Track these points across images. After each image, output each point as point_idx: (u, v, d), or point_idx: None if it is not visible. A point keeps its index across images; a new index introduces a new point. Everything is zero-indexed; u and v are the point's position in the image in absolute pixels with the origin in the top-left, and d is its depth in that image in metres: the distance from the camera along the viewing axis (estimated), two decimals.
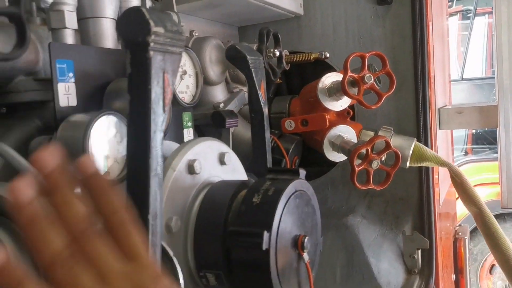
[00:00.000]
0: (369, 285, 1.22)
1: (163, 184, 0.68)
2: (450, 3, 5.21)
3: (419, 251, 1.28)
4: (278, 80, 1.29)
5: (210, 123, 1.14)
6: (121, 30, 0.52)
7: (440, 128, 1.46)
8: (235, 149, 1.19)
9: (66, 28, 0.75)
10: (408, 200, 1.33)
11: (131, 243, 0.41)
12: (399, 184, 1.33)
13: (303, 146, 1.37)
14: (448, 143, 1.73)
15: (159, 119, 0.52)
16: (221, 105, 1.19)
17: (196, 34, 1.22)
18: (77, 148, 0.65)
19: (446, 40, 1.81)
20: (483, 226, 1.10)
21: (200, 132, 1.24)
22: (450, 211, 1.73)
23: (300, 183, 0.74)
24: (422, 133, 1.29)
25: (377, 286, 1.21)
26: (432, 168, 1.31)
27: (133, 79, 0.51)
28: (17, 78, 0.80)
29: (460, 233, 1.76)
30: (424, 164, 1.20)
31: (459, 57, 4.72)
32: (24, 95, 0.81)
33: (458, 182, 1.15)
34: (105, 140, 0.68)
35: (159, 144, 0.52)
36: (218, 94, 1.22)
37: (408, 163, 1.18)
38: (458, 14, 4.77)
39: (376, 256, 1.26)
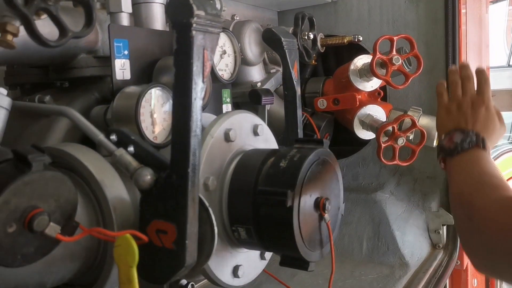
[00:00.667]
0: (394, 256, 1.29)
1: (202, 148, 0.79)
2: None
3: (444, 227, 1.34)
4: (313, 61, 1.37)
5: (248, 101, 1.23)
6: (169, 13, 0.62)
7: None
8: (271, 125, 1.28)
9: (122, 12, 0.86)
10: (435, 179, 1.39)
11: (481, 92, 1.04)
12: (428, 163, 1.39)
13: (336, 126, 1.44)
14: None
15: (199, 89, 0.62)
16: (258, 84, 1.29)
17: (237, 18, 1.31)
18: (130, 114, 0.76)
19: (485, 26, 1.81)
20: None
21: (238, 108, 1.34)
22: None
23: (323, 152, 0.82)
24: None
25: (400, 257, 1.28)
26: None
27: (178, 55, 0.61)
28: (79, 56, 0.93)
29: None
30: None
31: (508, 44, 4.59)
32: (85, 71, 0.93)
33: None
34: (154, 108, 0.79)
35: (198, 109, 0.62)
36: (256, 74, 1.31)
37: (435, 142, 1.24)
38: None
39: (402, 230, 1.33)
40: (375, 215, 1.36)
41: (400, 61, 1.12)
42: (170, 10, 0.62)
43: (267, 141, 0.96)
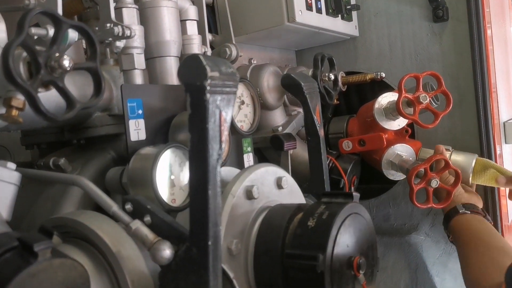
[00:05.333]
0: None
1: (223, 210, 0.74)
2: None
3: None
4: (335, 101, 1.32)
5: (270, 146, 1.19)
6: (181, 76, 0.58)
7: (506, 143, 1.42)
8: (295, 169, 1.24)
9: (135, 69, 0.83)
10: None
11: None
12: None
13: (364, 163, 1.38)
14: None
15: (216, 154, 0.57)
16: (280, 128, 1.24)
17: (255, 62, 1.28)
18: (146, 178, 0.72)
19: (510, 49, 1.74)
20: None
21: (261, 154, 1.30)
22: None
23: (353, 206, 0.76)
24: (485, 149, 1.27)
25: None
26: None
27: (192, 119, 0.57)
28: (94, 115, 0.90)
29: None
30: (488, 180, 1.18)
31: None
32: (100, 129, 0.90)
33: None
34: (171, 169, 0.75)
35: (217, 176, 0.58)
36: (277, 118, 1.27)
37: (470, 179, 1.17)
38: None
39: (441, 275, 1.24)
40: (411, 260, 1.28)
41: (428, 99, 1.06)
42: (182, 73, 0.58)
43: (293, 193, 0.91)
